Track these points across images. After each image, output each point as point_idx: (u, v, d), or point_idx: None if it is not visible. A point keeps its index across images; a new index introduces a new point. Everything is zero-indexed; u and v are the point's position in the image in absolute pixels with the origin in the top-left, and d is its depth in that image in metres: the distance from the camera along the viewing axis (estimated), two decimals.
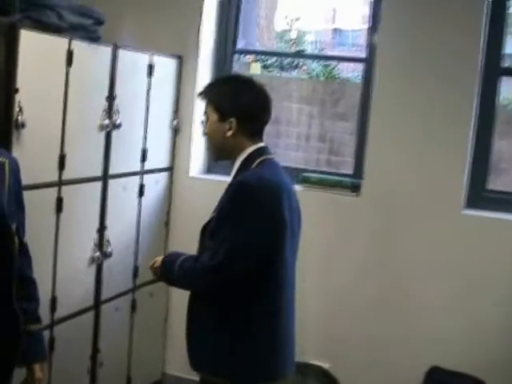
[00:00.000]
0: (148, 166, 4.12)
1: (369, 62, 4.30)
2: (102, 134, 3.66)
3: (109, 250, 3.81)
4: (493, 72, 4.00)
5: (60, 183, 3.38)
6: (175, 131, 4.41)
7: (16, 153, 3.02)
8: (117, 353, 4.08)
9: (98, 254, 3.73)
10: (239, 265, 2.51)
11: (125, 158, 3.90)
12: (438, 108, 3.99)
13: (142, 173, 4.09)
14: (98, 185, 3.71)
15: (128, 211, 4.03)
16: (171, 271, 2.67)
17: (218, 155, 2.78)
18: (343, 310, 4.21)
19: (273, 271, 2.60)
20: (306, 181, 4.27)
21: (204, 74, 4.47)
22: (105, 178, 3.74)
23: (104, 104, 3.64)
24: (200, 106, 3.37)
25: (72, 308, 3.62)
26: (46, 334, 3.38)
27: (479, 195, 4.07)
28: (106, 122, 3.64)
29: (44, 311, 3.33)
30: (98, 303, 3.84)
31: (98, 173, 3.69)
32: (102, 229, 3.76)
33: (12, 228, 2.32)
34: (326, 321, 4.25)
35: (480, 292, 3.93)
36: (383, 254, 4.11)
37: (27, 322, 2.40)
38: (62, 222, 3.42)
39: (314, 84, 6.55)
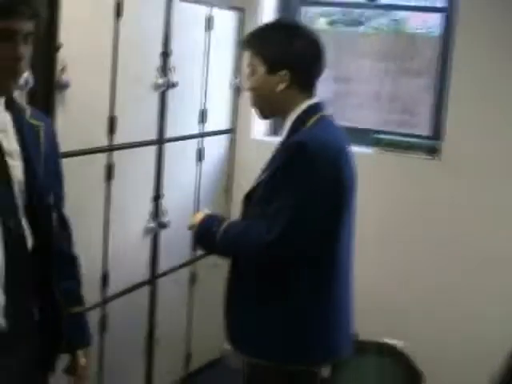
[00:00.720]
0: (207, 128, 3.73)
1: (449, 13, 3.82)
2: (157, 94, 3.28)
3: (165, 219, 3.45)
4: None
5: (110, 148, 3.03)
6: (236, 90, 3.99)
7: (59, 116, 2.70)
8: (175, 329, 3.75)
9: (153, 224, 3.38)
10: (300, 239, 2.20)
11: (182, 120, 3.52)
12: None
13: (201, 135, 3.70)
14: (153, 149, 3.34)
15: (186, 177, 3.66)
16: (213, 234, 2.33)
17: (267, 112, 2.43)
18: (416, 290, 3.80)
19: (329, 244, 2.30)
20: (377, 143, 3.83)
21: None
22: (160, 141, 3.37)
23: (158, 61, 3.25)
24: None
25: (126, 283, 3.29)
26: (97, 312, 3.07)
27: None
28: (161, 80, 3.25)
29: (94, 288, 3.03)
30: (154, 277, 3.50)
31: (153, 136, 3.32)
32: (157, 197, 3.40)
33: (50, 201, 2.02)
34: (391, 297, 3.85)
35: None
36: (462, 227, 3.66)
37: (68, 304, 2.10)
38: (112, 190, 3.07)
39: (383, 39, 6.03)
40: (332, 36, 5.34)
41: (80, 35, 2.75)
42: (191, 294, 3.82)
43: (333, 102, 5.17)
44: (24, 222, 1.88)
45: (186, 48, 3.44)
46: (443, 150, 3.71)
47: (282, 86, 2.27)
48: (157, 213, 3.42)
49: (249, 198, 2.35)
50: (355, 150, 3.83)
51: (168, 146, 3.42)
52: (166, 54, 3.28)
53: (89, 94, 2.85)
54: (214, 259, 3.73)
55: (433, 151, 3.73)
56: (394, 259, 3.80)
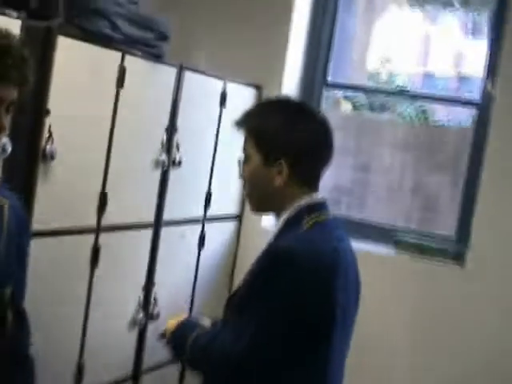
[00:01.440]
0: (212, 212, 3.35)
1: (483, 108, 3.48)
2: (157, 173, 2.92)
3: (155, 311, 3.04)
4: None
5: (98, 229, 2.64)
6: None
7: (41, 189, 2.33)
8: None
9: (141, 315, 2.97)
10: (267, 356, 1.78)
11: (184, 202, 3.15)
12: None
13: (205, 220, 3.33)
14: (148, 233, 2.95)
15: (183, 265, 3.25)
16: (182, 341, 1.97)
17: (261, 208, 2.03)
18: None
19: (312, 363, 1.83)
20: (398, 244, 3.43)
21: None
22: (157, 224, 2.98)
23: (162, 136, 2.90)
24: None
25: (103, 377, 2.86)
26: None
27: None
28: (163, 157, 2.90)
29: (66, 380, 2.63)
30: (137, 373, 3.06)
31: (149, 218, 2.94)
32: (148, 285, 2.99)
33: (6, 291, 1.76)
34: None
35: None
36: (489, 343, 3.22)
37: None
38: (97, 275, 2.67)
39: (409, 128, 5.66)
40: (355, 122, 5.02)
41: (73, 101, 2.41)
42: None
43: (350, 191, 4.81)
44: None
45: (195, 124, 3.09)
46: (468, 256, 3.30)
47: (279, 181, 1.89)
48: (146, 303, 3.01)
49: (229, 302, 1.98)
50: (372, 249, 3.40)
51: (166, 230, 3.03)
52: (171, 129, 2.94)
53: (77, 167, 2.48)
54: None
55: (457, 257, 3.33)
56: (406, 372, 3.36)
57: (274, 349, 1.76)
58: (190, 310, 3.31)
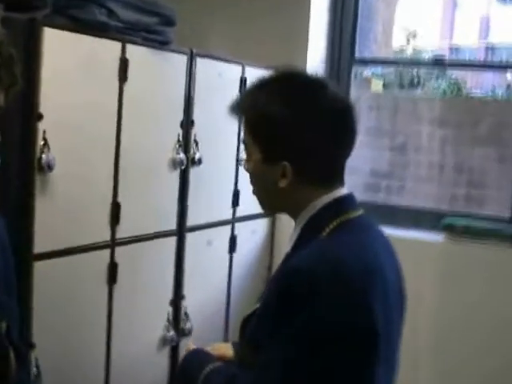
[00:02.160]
0: (241, 212, 2.96)
1: None
2: (176, 174, 2.56)
3: (187, 326, 2.69)
4: None
5: (113, 243, 2.31)
6: None
7: (40, 205, 2.00)
8: None
9: (172, 333, 2.62)
10: None
11: (209, 204, 2.78)
12: None
13: (234, 221, 2.95)
14: (172, 241, 2.60)
15: (214, 273, 2.89)
16: (193, 378, 1.61)
17: (270, 208, 1.62)
18: None
19: None
20: (448, 229, 3.04)
21: None
22: (181, 231, 2.62)
23: (177, 132, 2.54)
24: None
25: None
26: None
27: None
28: (181, 156, 2.53)
29: None
30: None
31: (171, 225, 2.58)
32: (177, 299, 2.64)
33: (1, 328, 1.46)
34: None
35: None
36: None
37: None
38: (117, 294, 2.33)
39: (443, 102, 5.21)
40: (387, 100, 4.62)
41: (69, 103, 2.06)
42: None
43: (388, 174, 4.42)
44: None
45: (213, 116, 2.69)
46: None
47: (284, 183, 1.45)
48: (177, 318, 2.66)
49: (245, 324, 1.58)
50: (417, 236, 3.02)
51: (191, 236, 2.67)
52: (187, 124, 2.57)
53: (81, 177, 2.13)
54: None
55: None
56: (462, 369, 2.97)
57: None
58: (226, 321, 2.95)
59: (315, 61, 3.29)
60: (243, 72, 2.86)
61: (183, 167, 2.56)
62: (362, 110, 4.16)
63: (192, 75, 2.58)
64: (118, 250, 2.32)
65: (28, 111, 1.95)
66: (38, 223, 2.01)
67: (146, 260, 2.47)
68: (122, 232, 2.32)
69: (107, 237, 2.29)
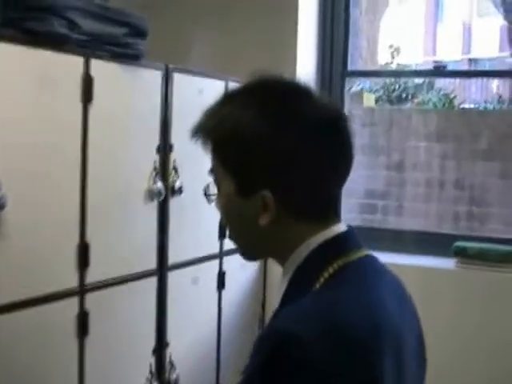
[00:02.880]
0: (229, 244, 2.57)
1: None
2: (153, 206, 2.21)
3: (173, 376, 2.34)
4: None
5: (82, 290, 1.96)
6: None
7: None
8: None
9: None
10: None
11: (193, 238, 2.42)
12: None
13: (222, 255, 2.60)
14: (152, 282, 2.25)
15: (202, 314, 2.52)
16: None
17: (249, 254, 1.27)
18: None
19: None
20: (460, 253, 2.71)
21: None
22: (161, 270, 2.27)
23: (153, 159, 2.21)
24: None
25: None
26: None
27: None
28: (159, 185, 2.20)
29: None
30: None
31: (150, 264, 2.24)
32: (160, 347, 2.28)
33: None
34: None
35: None
36: None
37: None
38: (89, 347, 1.98)
39: (437, 116, 4.93)
40: (380, 115, 4.33)
41: (22, 129, 1.73)
42: None
43: (385, 194, 4.11)
44: None
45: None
46: None
47: (265, 219, 1.13)
48: (161, 368, 2.31)
49: None
50: (425, 263, 2.72)
51: (173, 275, 2.32)
52: (164, 149, 2.25)
53: (40, 216, 1.80)
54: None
55: None
56: None
57: None
58: (217, 367, 2.60)
59: (305, 73, 2.96)
60: (227, 88, 2.51)
61: (162, 198, 2.22)
62: (355, 126, 3.86)
63: (168, 93, 2.25)
64: (89, 296, 1.98)
65: None
66: None
67: (122, 306, 2.12)
68: (93, 276, 1.98)
69: (75, 282, 1.94)
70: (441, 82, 6.85)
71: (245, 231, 1.18)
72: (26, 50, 1.75)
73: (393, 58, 9.17)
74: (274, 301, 2.62)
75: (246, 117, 1.11)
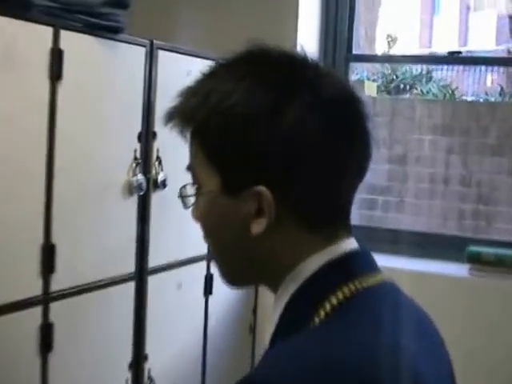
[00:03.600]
0: None
1: None
2: (132, 201, 1.93)
3: None
4: None
5: (47, 298, 1.68)
6: None
7: None
8: None
9: None
10: None
11: (177, 237, 2.14)
12: None
13: (209, 257, 2.31)
14: (129, 288, 1.96)
15: (186, 322, 2.23)
16: None
17: (234, 276, 0.94)
18: None
19: None
20: (474, 259, 2.44)
21: None
22: (141, 274, 1.99)
23: (134, 147, 1.92)
24: None
25: None
26: None
27: None
28: (139, 178, 1.92)
29: None
30: None
31: (128, 268, 1.96)
32: (138, 361, 2.01)
33: None
34: None
35: None
36: None
37: None
38: (53, 365, 1.70)
39: (440, 108, 4.64)
40: (385, 104, 4.06)
41: None
42: None
43: (387, 189, 3.84)
44: None
45: None
46: None
47: (260, 225, 0.84)
48: (139, 383, 2.04)
49: None
50: (435, 269, 2.48)
51: (154, 280, 2.04)
52: (146, 136, 1.96)
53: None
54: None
55: None
56: None
57: None
58: (203, 379, 2.33)
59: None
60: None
61: (142, 192, 1.94)
62: None
63: (152, 74, 1.96)
64: (54, 306, 1.70)
65: None
66: None
67: (93, 316, 1.84)
68: (59, 282, 1.70)
69: (38, 290, 1.66)
70: (438, 74, 6.59)
71: (231, 244, 0.89)
72: None
73: (389, 47, 8.96)
74: (267, 308, 2.34)
75: (237, 90, 0.83)
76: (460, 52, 3.57)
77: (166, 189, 2.01)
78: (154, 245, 2.02)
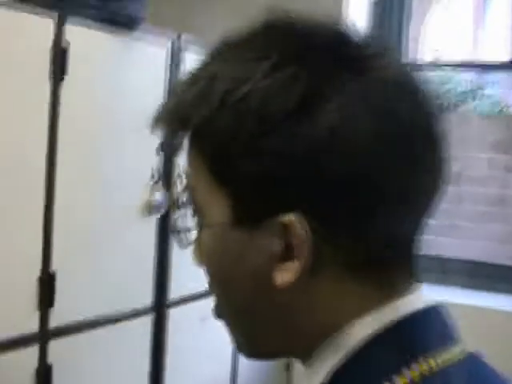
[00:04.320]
0: None
1: None
2: (150, 223, 1.68)
3: None
4: None
5: (45, 336, 1.44)
6: None
7: None
8: None
9: None
10: None
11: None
12: None
13: None
14: (145, 323, 1.71)
15: (212, 361, 1.97)
16: None
17: (250, 344, 0.65)
18: None
19: None
20: None
21: None
22: (159, 307, 1.74)
23: (152, 161, 1.69)
24: None
25: None
26: None
27: None
28: (158, 197, 1.68)
29: None
30: None
31: (144, 300, 1.71)
32: None
33: None
34: None
35: None
36: None
37: None
38: None
39: (491, 124, 4.42)
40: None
41: None
42: None
43: (439, 214, 3.56)
44: None
45: None
46: None
47: (288, 275, 0.56)
48: None
49: None
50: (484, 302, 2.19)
51: (175, 313, 1.79)
52: (167, 148, 1.71)
53: None
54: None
55: None
56: None
57: None
58: None
59: None
60: None
61: (162, 213, 1.69)
62: None
63: (175, 73, 1.71)
64: (53, 345, 1.45)
65: None
66: None
67: (100, 357, 1.59)
68: (59, 317, 1.45)
69: (34, 327, 1.42)
70: (487, 90, 6.28)
71: (246, 301, 0.62)
72: None
73: (435, 59, 8.76)
74: None
75: (252, 76, 0.55)
76: None
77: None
78: (175, 273, 1.76)
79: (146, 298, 1.71)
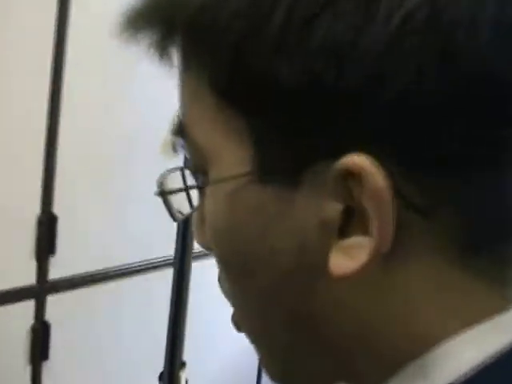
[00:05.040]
0: None
1: None
2: (167, 162, 1.52)
3: None
4: None
5: (42, 290, 1.54)
6: None
7: None
8: None
9: None
10: None
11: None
12: None
13: None
14: (163, 277, 1.48)
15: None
16: None
17: (284, 370, 0.43)
18: None
19: None
20: None
21: None
22: (182, 259, 1.44)
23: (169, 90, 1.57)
24: None
25: None
26: None
27: None
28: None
29: None
30: None
31: (163, 251, 1.49)
32: (172, 370, 1.37)
33: None
34: None
35: None
36: None
37: None
38: (48, 375, 1.48)
39: None
40: None
41: None
42: None
43: None
44: None
45: None
46: None
47: (356, 260, 0.34)
48: None
49: None
50: None
51: (199, 266, 1.47)
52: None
53: None
54: None
55: None
56: None
57: None
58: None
59: None
60: None
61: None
62: None
63: None
64: (51, 300, 1.52)
65: None
66: None
67: (107, 314, 1.49)
68: (60, 269, 1.53)
69: (31, 278, 1.53)
70: None
71: (277, 302, 0.40)
72: None
73: None
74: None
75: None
76: None
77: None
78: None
79: (166, 250, 1.50)
